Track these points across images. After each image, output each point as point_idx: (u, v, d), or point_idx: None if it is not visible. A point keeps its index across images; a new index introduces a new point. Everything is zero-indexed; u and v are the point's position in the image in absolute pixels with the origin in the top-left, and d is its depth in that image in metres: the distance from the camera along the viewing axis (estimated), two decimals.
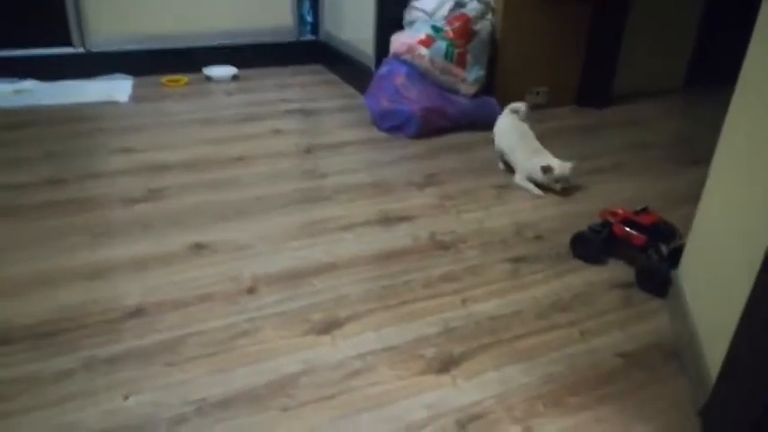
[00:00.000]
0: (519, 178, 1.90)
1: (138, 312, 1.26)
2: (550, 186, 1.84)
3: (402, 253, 1.52)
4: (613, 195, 1.85)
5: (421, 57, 2.26)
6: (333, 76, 3.05)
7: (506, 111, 2.04)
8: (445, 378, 1.11)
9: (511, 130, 1.98)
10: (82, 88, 2.63)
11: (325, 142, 2.23)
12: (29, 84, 2.62)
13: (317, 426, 1.00)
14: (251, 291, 1.35)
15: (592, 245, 1.49)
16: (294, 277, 1.40)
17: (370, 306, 1.31)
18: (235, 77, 2.91)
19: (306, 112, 2.56)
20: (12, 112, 2.37)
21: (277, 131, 2.32)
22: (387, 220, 1.67)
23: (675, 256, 1.36)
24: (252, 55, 3.03)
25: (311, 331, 1.23)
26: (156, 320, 1.24)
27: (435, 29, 2.29)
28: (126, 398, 1.04)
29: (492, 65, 2.39)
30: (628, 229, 1.46)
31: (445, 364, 1.14)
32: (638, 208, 1.53)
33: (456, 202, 1.79)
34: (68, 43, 2.75)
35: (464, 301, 1.34)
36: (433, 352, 1.18)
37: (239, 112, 2.53)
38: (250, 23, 3.04)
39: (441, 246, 1.56)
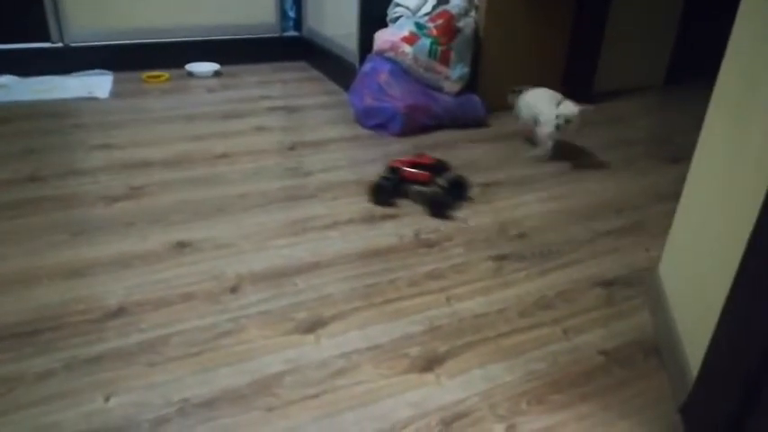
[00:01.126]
0: (544, 132, 2.05)
1: (119, 312, 1.24)
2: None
3: (387, 251, 1.52)
4: (595, 193, 1.87)
5: (404, 54, 2.26)
6: (316, 73, 3.04)
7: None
8: (429, 376, 1.11)
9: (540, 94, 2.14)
10: (61, 84, 2.59)
11: (308, 139, 2.22)
12: (6, 79, 2.57)
13: (301, 425, 1.00)
14: (234, 290, 1.34)
15: (386, 190, 1.75)
16: (278, 276, 1.40)
17: (354, 305, 1.31)
18: (217, 74, 2.88)
19: (289, 109, 2.54)
20: None
21: (260, 128, 2.30)
22: (371, 219, 1.67)
23: (455, 187, 1.76)
24: (234, 51, 3.01)
25: (295, 330, 1.22)
26: (138, 320, 1.22)
27: (419, 26, 2.29)
28: (107, 399, 1.02)
29: (475, 62, 2.40)
30: (413, 170, 1.77)
31: (430, 363, 1.15)
32: (415, 154, 1.91)
33: None
34: (46, 38, 2.70)
35: (449, 299, 1.34)
36: (418, 350, 1.18)
37: (221, 108, 2.51)
38: (232, 19, 3.01)
39: (426, 244, 1.56)
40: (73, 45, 2.73)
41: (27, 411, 1.00)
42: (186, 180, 1.85)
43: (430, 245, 1.56)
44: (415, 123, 2.25)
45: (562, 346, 1.21)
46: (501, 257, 1.51)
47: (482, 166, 2.03)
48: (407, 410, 1.04)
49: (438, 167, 1.80)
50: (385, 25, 2.45)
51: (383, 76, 2.25)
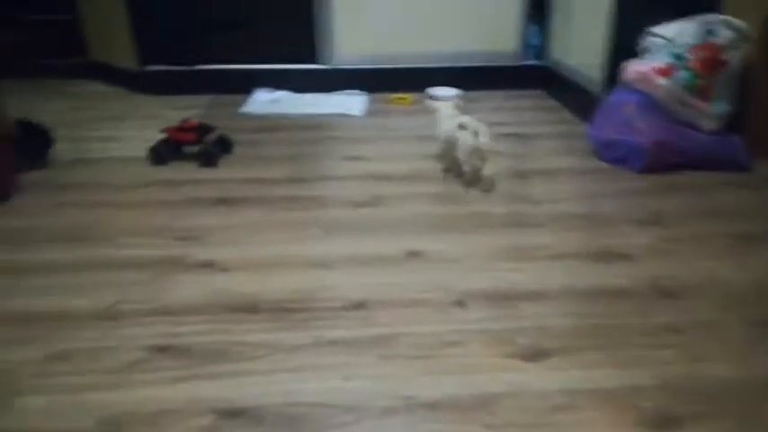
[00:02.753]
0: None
1: (359, 305, 1.38)
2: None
3: (618, 294, 1.44)
4: None
5: (657, 86, 2.12)
6: (553, 102, 3.01)
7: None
8: None
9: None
10: (323, 101, 2.97)
11: (539, 168, 2.21)
12: (280, 94, 3.03)
13: None
14: (459, 303, 1.39)
15: (162, 154, 2.18)
16: (501, 298, 1.42)
17: (579, 342, 1.27)
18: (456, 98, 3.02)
19: (522, 137, 2.55)
20: (266, 118, 2.76)
21: (491, 152, 2.35)
22: (602, 256, 1.60)
23: (220, 144, 2.26)
24: (474, 77, 3.13)
25: (517, 355, 1.23)
26: (373, 315, 1.34)
27: (677, 57, 2.13)
28: (347, 379, 1.15)
29: (742, 100, 2.14)
30: (181, 133, 2.21)
31: (665, 421, 1.06)
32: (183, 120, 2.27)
33: (684, 247, 1.64)
34: (316, 60, 3.12)
35: (690, 359, 1.22)
36: (650, 406, 1.09)
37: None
38: (475, 47, 3.14)
39: (664, 293, 1.44)
40: (336, 67, 3.12)
41: (280, 375, 1.17)
42: (420, 195, 1.97)
43: (670, 294, 1.43)
44: (661, 161, 2.09)
45: None
46: (763, 323, 1.32)
47: (736, 214, 1.81)
48: None
49: (203, 129, 2.22)
50: (635, 55, 2.33)
51: (629, 109, 2.14)
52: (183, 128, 2.23)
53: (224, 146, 2.27)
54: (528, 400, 1.11)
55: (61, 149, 2.24)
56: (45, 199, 1.91)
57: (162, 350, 1.23)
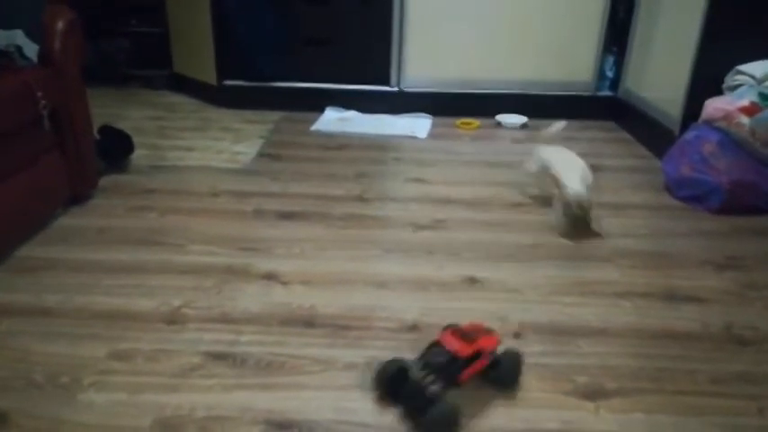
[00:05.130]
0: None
1: (413, 327, 1.37)
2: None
3: (687, 337, 1.37)
4: None
5: (740, 125, 2.02)
6: (626, 135, 2.92)
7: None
8: None
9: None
10: (390, 122, 3.00)
11: (608, 201, 2.14)
12: (351, 114, 3.09)
13: None
14: (517, 335, 1.36)
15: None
16: (561, 333, 1.37)
17: (642, 385, 1.21)
18: (524, 126, 2.99)
19: (592, 168, 2.48)
20: (334, 136, 2.82)
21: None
22: (672, 297, 1.53)
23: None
24: (544, 105, 3.08)
25: (574, 393, 1.18)
26: (427, 338, 1.31)
27: (764, 96, 2.03)
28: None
29: None
30: None
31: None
32: None
33: (762, 294, 1.54)
34: (386, 83, 3.17)
35: (761, 411, 1.14)
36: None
37: (522, 159, 2.58)
38: (548, 76, 3.10)
39: (737, 340, 1.35)
40: (405, 90, 3.15)
41: (332, 393, 1.17)
42: (482, 221, 1.95)
43: (743, 342, 1.35)
44: (740, 202, 1.98)
45: None
46: None
47: None
48: None
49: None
50: (717, 92, 2.24)
51: (708, 147, 2.05)
52: None
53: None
54: None
55: (140, 156, 2.37)
56: (121, 202, 2.02)
57: (219, 357, 1.26)
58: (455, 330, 1.18)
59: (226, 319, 1.39)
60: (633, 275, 1.63)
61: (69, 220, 1.87)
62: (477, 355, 1.13)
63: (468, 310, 1.45)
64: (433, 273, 1.61)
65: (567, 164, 1.94)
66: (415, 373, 1.09)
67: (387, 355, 1.26)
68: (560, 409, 1.14)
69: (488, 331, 1.19)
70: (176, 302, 1.44)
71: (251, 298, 1.47)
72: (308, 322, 1.38)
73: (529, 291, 1.55)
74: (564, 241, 1.82)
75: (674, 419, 1.11)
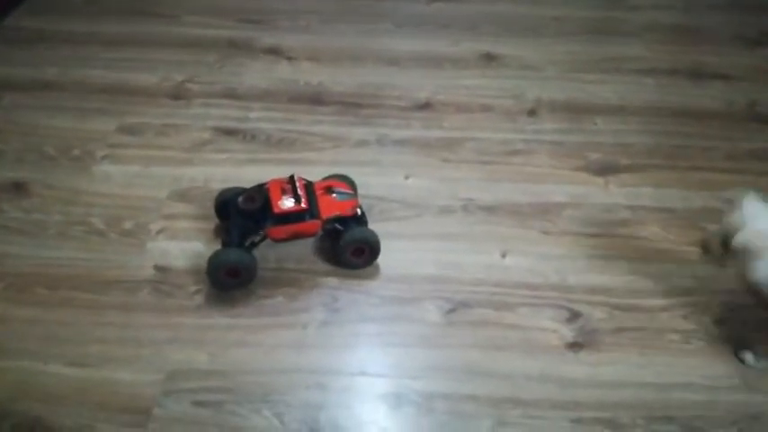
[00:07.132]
0: None
1: (426, 106, 1.33)
2: None
3: (708, 115, 1.33)
4: None
5: None
6: None
7: None
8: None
9: None
10: None
11: None
12: None
13: (574, 256, 1.01)
14: (531, 113, 1.32)
15: None
16: (578, 110, 1.33)
17: (655, 161, 1.21)
18: None
19: None
20: None
21: None
22: (697, 75, 1.45)
23: None
24: None
25: (585, 169, 1.19)
26: (440, 117, 1.30)
27: None
28: (408, 177, 1.15)
29: None
30: None
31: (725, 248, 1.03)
32: None
33: None
34: None
35: (763, 187, 1.15)
36: (718, 229, 1.06)
37: None
38: None
39: (760, 118, 1.32)
40: None
41: (345, 168, 1.16)
42: None
43: (765, 121, 1.31)
44: None
45: None
46: None
47: None
48: (689, 282, 0.97)
49: None
50: None
51: None
52: None
53: None
54: (591, 212, 1.09)
55: None
56: None
57: (229, 133, 1.25)
58: (298, 182, 0.96)
59: (232, 95, 1.34)
60: (660, 51, 1.53)
61: None
62: (298, 216, 0.93)
63: (482, 86, 1.39)
64: (447, 48, 1.52)
65: None
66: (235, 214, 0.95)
67: (399, 133, 1.25)
68: (569, 183, 1.15)
69: (346, 196, 0.98)
70: (179, 77, 1.38)
71: (256, 74, 1.41)
72: (317, 99, 1.34)
73: (548, 67, 1.47)
74: (590, 14, 1.67)
75: (683, 193, 1.13)
